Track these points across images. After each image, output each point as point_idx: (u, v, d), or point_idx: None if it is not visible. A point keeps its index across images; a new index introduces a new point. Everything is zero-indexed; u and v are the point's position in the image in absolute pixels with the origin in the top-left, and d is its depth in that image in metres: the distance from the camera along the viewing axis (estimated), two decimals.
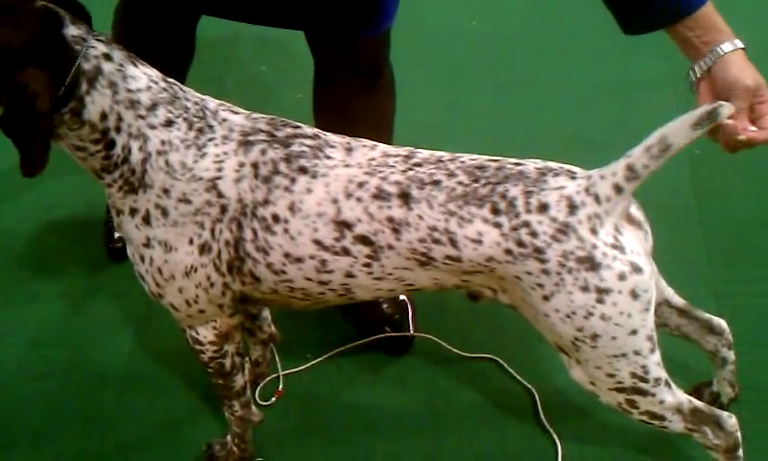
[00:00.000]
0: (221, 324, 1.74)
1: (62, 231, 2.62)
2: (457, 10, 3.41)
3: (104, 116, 1.49)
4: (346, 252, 1.56)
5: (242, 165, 1.55)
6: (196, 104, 1.57)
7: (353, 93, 2.16)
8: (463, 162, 1.54)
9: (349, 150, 1.59)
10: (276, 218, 1.55)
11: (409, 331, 2.24)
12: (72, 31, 1.46)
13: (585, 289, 1.46)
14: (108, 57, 1.49)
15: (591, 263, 1.45)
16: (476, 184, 1.50)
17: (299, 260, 1.58)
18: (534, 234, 1.46)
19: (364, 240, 1.54)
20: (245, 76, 3.13)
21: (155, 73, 1.55)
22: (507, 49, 3.24)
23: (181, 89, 1.58)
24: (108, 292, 2.42)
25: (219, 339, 1.76)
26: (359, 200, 1.53)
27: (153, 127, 1.52)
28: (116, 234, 2.40)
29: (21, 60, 1.41)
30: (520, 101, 3.02)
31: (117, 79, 1.49)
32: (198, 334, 1.75)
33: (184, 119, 1.54)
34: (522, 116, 2.96)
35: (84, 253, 2.53)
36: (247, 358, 2.05)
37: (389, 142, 1.66)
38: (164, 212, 1.55)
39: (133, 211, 1.57)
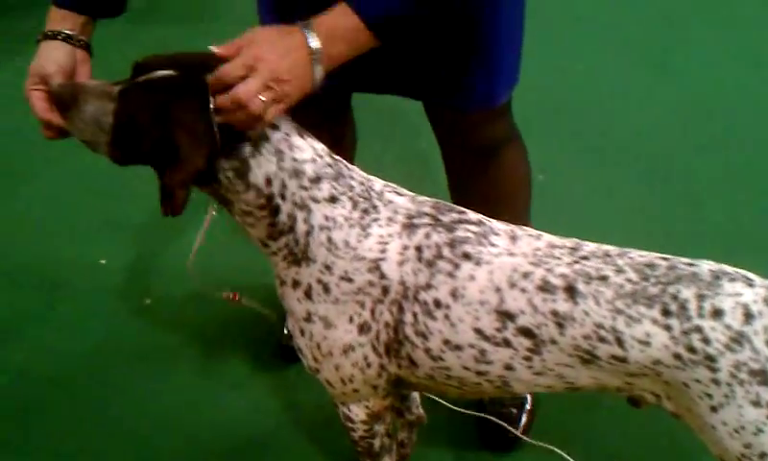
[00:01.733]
0: (373, 404, 1.71)
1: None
2: (613, 92, 3.34)
3: (269, 181, 1.48)
4: (507, 343, 1.50)
5: (406, 248, 1.52)
6: (361, 183, 1.55)
7: (465, 170, 2.12)
8: (631, 258, 1.47)
9: (514, 238, 1.54)
10: (437, 303, 1.51)
11: (519, 428, 2.14)
12: None
13: (756, 404, 1.36)
14: (274, 126, 1.48)
15: (765, 377, 1.35)
16: (646, 283, 1.43)
17: (458, 348, 1.53)
18: (706, 341, 1.37)
19: (526, 332, 1.48)
20: (405, 152, 3.12)
21: (320, 147, 1.54)
22: (665, 139, 3.14)
23: (347, 167, 1.56)
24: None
25: (370, 419, 1.73)
26: (523, 290, 1.47)
27: (316, 200, 1.50)
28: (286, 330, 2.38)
29: (179, 120, 1.41)
30: (678, 194, 2.91)
31: (283, 147, 1.49)
32: (350, 412, 1.72)
33: (349, 198, 1.52)
34: (681, 211, 2.85)
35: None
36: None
37: (515, 222, 1.60)
38: (326, 289, 1.53)
39: (296, 284, 1.55)
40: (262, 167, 1.47)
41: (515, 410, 2.16)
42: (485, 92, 1.97)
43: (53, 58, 1.64)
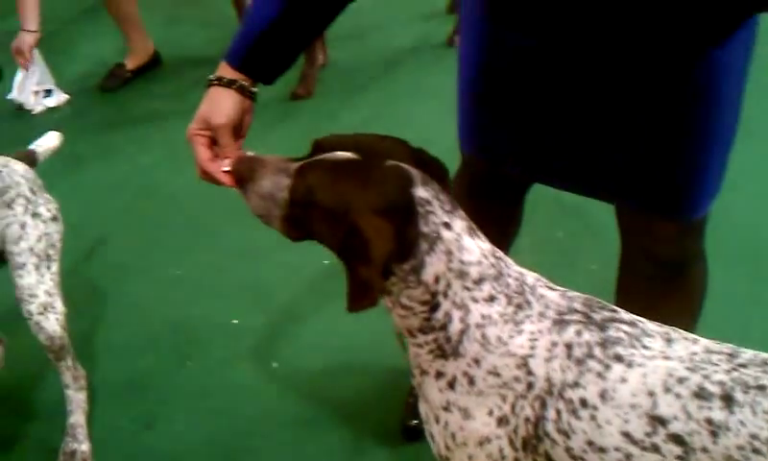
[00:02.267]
0: None
1: None
2: None
3: (437, 280, 1.46)
4: (655, 448, 1.42)
5: (555, 344, 1.46)
6: (516, 279, 1.51)
7: (645, 281, 2.03)
8: None
9: (669, 341, 1.46)
10: (583, 403, 1.44)
11: None
12: (420, 192, 1.45)
13: None
14: (447, 226, 1.46)
15: None
16: None
17: (602, 450, 1.45)
18: None
19: (677, 439, 1.40)
20: (540, 238, 3.06)
21: (487, 247, 1.51)
22: None
23: (506, 265, 1.52)
24: None
25: None
26: (678, 396, 1.40)
27: (475, 300, 1.47)
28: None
29: (363, 208, 1.40)
30: None
31: (453, 248, 1.46)
32: None
33: (505, 295, 1.48)
34: None
35: None
36: None
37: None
38: (471, 381, 1.48)
39: (439, 375, 1.51)
40: (434, 266, 1.45)
41: None
42: (688, 200, 1.88)
43: (223, 109, 1.66)
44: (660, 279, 2.02)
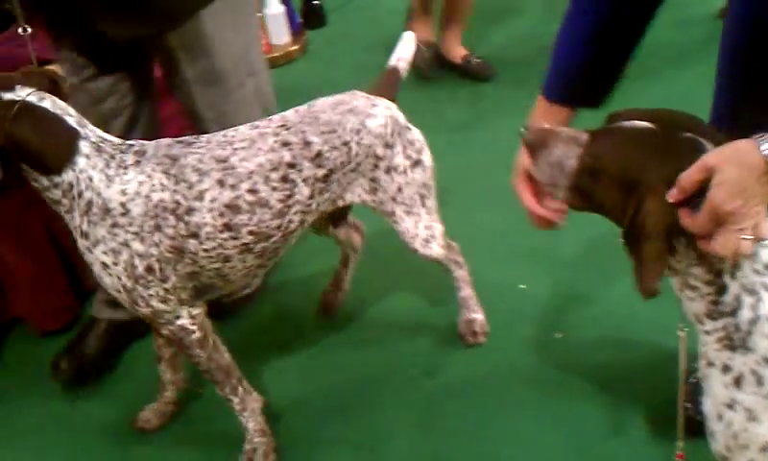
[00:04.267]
0: None
1: None
2: None
3: (721, 257, 1.34)
4: None
5: None
6: None
7: None
8: None
9: None
10: None
11: None
12: None
13: None
14: None
15: None
16: None
17: None
18: None
19: None
20: None
21: None
22: None
23: None
24: None
25: None
26: None
27: (767, 288, 1.33)
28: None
29: (656, 180, 1.33)
30: None
31: None
32: None
33: None
34: None
35: None
36: None
37: None
38: (759, 381, 1.37)
39: (726, 369, 1.40)
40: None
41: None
42: None
43: None
44: None
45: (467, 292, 2.59)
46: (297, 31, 4.82)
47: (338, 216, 2.50)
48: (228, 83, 2.51)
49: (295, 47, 4.75)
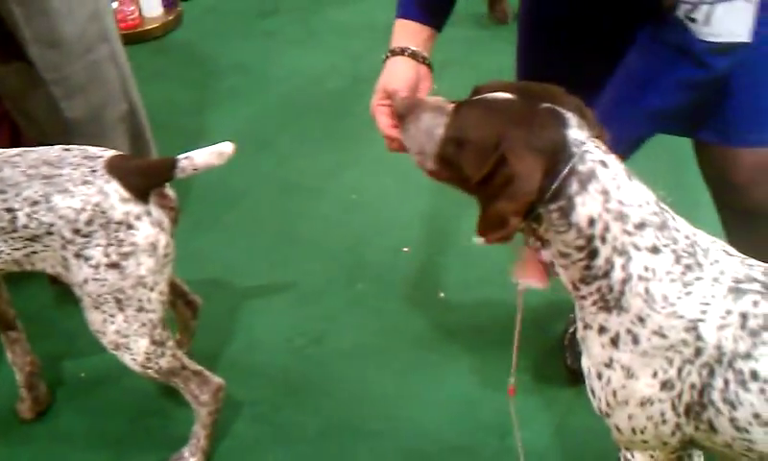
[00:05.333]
0: (658, 455, 1.54)
1: None
2: None
3: (591, 222, 1.35)
4: None
5: (729, 312, 1.34)
6: (687, 237, 1.39)
7: (735, 231, 1.89)
8: None
9: None
10: (754, 375, 1.33)
11: None
12: (575, 134, 1.35)
13: None
14: (604, 164, 1.35)
15: None
16: None
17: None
18: None
19: None
20: None
21: (648, 193, 1.39)
22: None
23: (673, 218, 1.40)
24: None
25: None
26: None
27: (637, 247, 1.35)
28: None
29: (516, 144, 1.34)
30: None
31: (611, 187, 1.35)
32: (632, 458, 1.57)
33: (672, 251, 1.36)
34: None
35: None
36: None
37: None
38: (635, 339, 1.38)
39: (603, 330, 1.41)
40: (587, 206, 1.34)
41: None
42: (744, 126, 1.79)
43: (399, 74, 1.73)
44: (750, 228, 1.87)
45: (195, 428, 2.16)
46: (170, 2, 4.67)
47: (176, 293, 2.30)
48: (73, 46, 2.40)
49: (169, 18, 4.60)
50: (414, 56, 1.74)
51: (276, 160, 3.39)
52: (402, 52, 1.74)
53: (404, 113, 1.51)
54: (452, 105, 1.46)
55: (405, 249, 2.84)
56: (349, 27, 4.33)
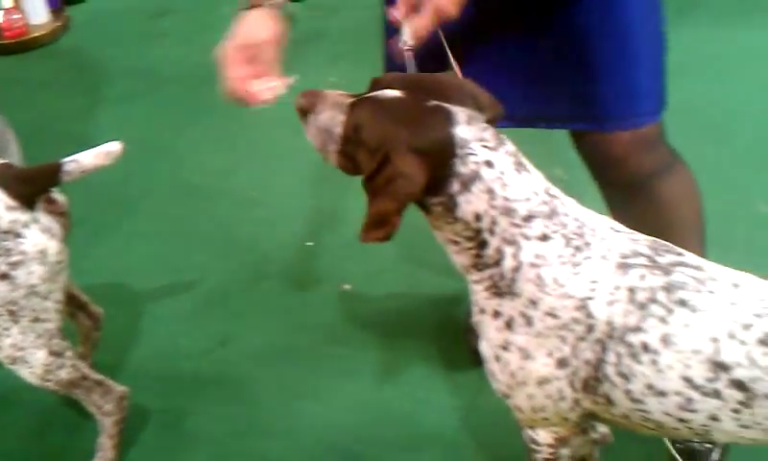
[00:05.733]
0: (561, 431, 1.56)
1: None
2: None
3: (477, 217, 1.37)
4: (716, 394, 1.33)
5: (617, 288, 1.36)
6: (576, 219, 1.40)
7: (616, 205, 1.92)
8: None
9: (736, 286, 1.35)
10: (645, 347, 1.35)
11: None
12: (462, 132, 1.35)
13: None
14: (489, 164, 1.36)
15: None
16: None
17: (661, 394, 1.37)
18: None
19: (739, 385, 1.32)
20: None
21: (540, 184, 1.40)
22: None
23: (563, 204, 1.41)
24: None
25: (557, 442, 1.59)
26: (742, 342, 1.31)
27: (527, 237, 1.37)
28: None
29: (399, 145, 1.33)
30: None
31: (495, 186, 1.35)
32: (537, 435, 1.59)
33: (562, 235, 1.38)
34: None
35: None
36: None
37: None
38: (529, 322, 1.40)
39: (497, 314, 1.42)
40: (471, 204, 1.36)
41: (708, 445, 1.96)
42: (617, 112, 1.80)
43: (264, 25, 1.62)
44: (628, 200, 1.90)
45: (101, 440, 2.09)
46: (56, 7, 4.55)
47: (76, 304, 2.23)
48: None
49: (57, 24, 4.48)
50: (273, 6, 1.63)
51: (172, 162, 3.34)
52: (261, 5, 1.63)
53: (306, 110, 1.48)
54: (349, 100, 1.44)
55: (309, 243, 2.83)
56: None
